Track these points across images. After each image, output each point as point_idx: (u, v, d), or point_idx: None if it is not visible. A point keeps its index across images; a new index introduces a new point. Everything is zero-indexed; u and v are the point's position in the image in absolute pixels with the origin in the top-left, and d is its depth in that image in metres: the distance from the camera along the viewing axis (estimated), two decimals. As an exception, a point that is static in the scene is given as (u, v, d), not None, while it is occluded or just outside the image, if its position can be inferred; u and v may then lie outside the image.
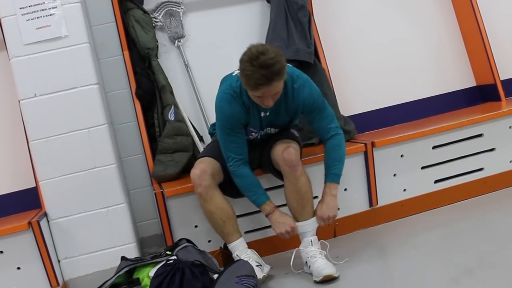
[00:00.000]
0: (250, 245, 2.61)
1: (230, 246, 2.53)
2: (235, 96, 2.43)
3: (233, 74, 2.49)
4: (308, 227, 2.49)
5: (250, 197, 2.53)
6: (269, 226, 2.81)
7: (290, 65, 2.51)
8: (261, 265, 2.49)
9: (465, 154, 3.10)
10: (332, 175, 2.52)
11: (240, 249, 2.50)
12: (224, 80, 2.58)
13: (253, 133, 2.59)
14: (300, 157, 2.53)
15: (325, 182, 2.53)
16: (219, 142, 2.52)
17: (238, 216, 2.72)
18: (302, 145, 2.71)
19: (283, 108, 2.49)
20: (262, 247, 2.71)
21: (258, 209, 2.78)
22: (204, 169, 2.50)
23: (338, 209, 2.58)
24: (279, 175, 2.60)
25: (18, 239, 2.57)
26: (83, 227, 2.71)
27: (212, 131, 2.82)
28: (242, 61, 2.26)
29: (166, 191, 2.73)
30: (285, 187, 2.52)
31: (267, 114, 2.50)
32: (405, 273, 2.37)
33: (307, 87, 2.47)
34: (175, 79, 3.22)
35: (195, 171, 2.51)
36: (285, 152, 2.47)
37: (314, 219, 2.51)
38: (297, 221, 2.51)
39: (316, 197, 2.59)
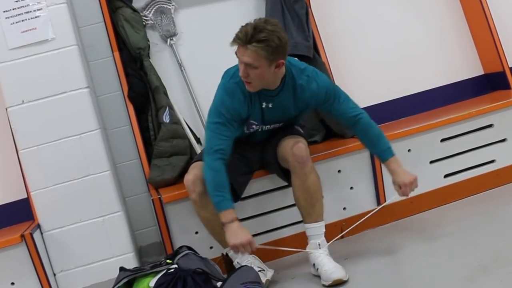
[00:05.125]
0: (253, 249, 2.62)
1: (230, 254, 2.53)
2: (240, 85, 2.40)
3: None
4: (317, 230, 2.49)
5: (215, 197, 2.37)
6: (273, 230, 2.83)
7: (297, 59, 2.52)
8: (263, 270, 2.49)
9: (475, 146, 3.10)
10: (389, 150, 2.53)
11: (241, 256, 2.50)
12: (227, 71, 2.56)
13: (254, 126, 2.55)
14: (309, 154, 2.52)
15: (387, 158, 2.51)
16: (206, 128, 2.45)
17: (240, 220, 2.72)
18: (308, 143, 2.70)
19: (290, 102, 2.46)
20: (267, 252, 2.70)
21: (261, 212, 2.79)
22: (197, 174, 2.49)
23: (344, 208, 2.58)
24: (284, 175, 2.60)
25: (11, 253, 2.57)
26: (79, 238, 2.71)
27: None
28: None
29: (164, 197, 2.73)
30: (293, 185, 2.51)
31: (269, 106, 2.47)
32: (417, 272, 2.37)
33: (314, 79, 2.46)
34: (169, 79, 3.22)
35: (188, 177, 2.50)
36: (295, 147, 2.46)
37: (323, 222, 2.51)
38: (306, 222, 2.51)
39: (322, 197, 2.59)
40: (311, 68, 2.51)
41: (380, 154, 2.55)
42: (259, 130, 2.58)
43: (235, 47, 2.30)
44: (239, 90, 2.41)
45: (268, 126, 2.58)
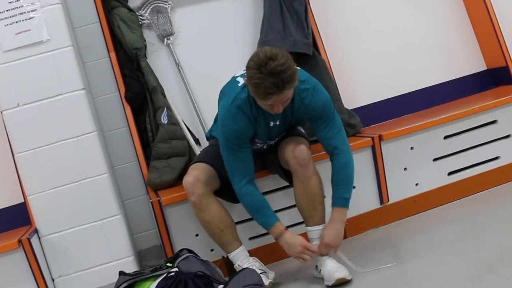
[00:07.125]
0: (255, 252, 2.62)
1: (231, 256, 2.53)
2: (243, 109, 2.36)
3: (239, 85, 2.42)
4: (319, 233, 2.48)
5: (258, 220, 2.48)
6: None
7: (298, 68, 2.51)
8: (265, 272, 2.49)
9: (479, 142, 3.10)
10: (342, 200, 2.45)
11: (242, 259, 2.50)
12: (225, 92, 2.52)
13: (259, 144, 2.56)
14: (311, 155, 2.51)
15: (334, 206, 2.46)
16: (223, 158, 2.45)
17: (242, 222, 2.72)
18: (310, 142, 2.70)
19: (289, 114, 2.44)
20: (268, 254, 2.71)
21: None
22: (197, 176, 2.49)
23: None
24: (286, 176, 2.60)
25: (9, 259, 2.57)
26: (77, 243, 2.71)
27: (209, 135, 2.81)
28: (249, 67, 2.20)
29: (163, 199, 2.73)
30: (295, 188, 2.51)
31: (277, 123, 2.47)
32: (422, 272, 2.37)
33: (317, 93, 2.41)
34: (166, 79, 3.22)
35: (188, 179, 2.50)
36: (296, 150, 2.45)
37: (324, 225, 2.49)
38: (307, 224, 2.51)
39: (324, 197, 2.60)
40: (314, 81, 2.44)
41: (337, 198, 2.45)
42: (264, 147, 2.59)
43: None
44: (241, 114, 2.37)
45: (273, 141, 2.58)
